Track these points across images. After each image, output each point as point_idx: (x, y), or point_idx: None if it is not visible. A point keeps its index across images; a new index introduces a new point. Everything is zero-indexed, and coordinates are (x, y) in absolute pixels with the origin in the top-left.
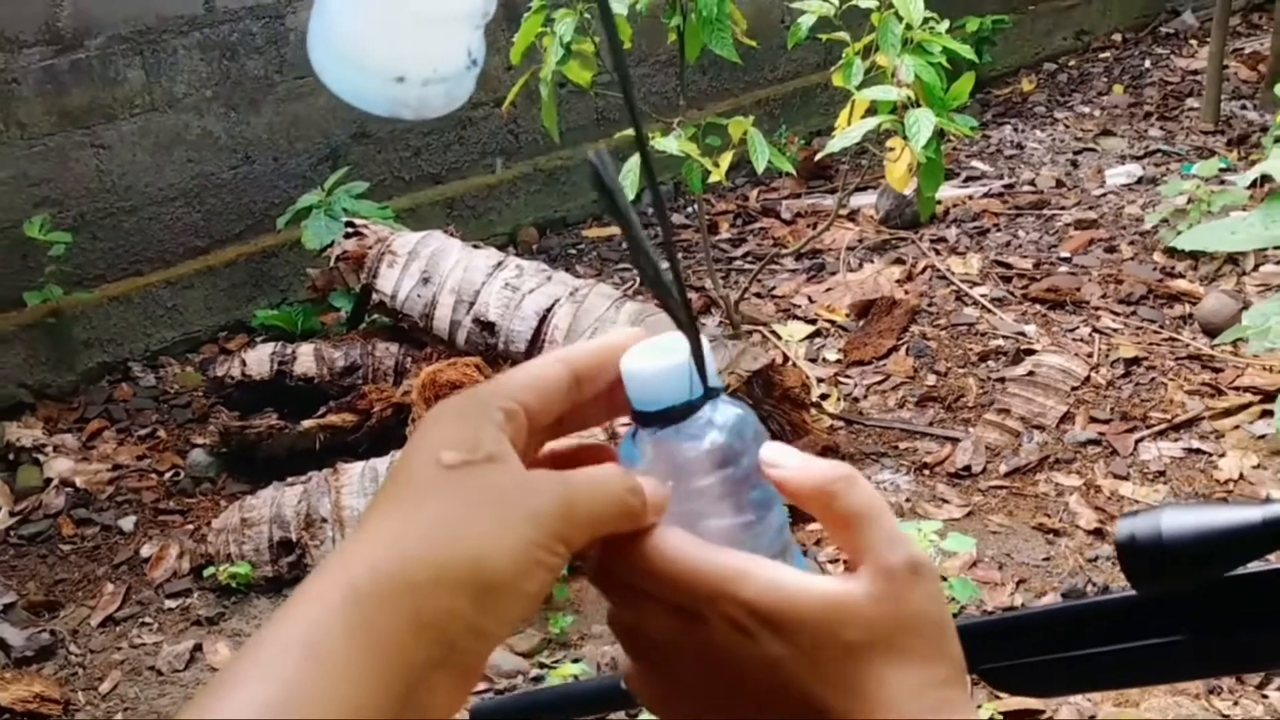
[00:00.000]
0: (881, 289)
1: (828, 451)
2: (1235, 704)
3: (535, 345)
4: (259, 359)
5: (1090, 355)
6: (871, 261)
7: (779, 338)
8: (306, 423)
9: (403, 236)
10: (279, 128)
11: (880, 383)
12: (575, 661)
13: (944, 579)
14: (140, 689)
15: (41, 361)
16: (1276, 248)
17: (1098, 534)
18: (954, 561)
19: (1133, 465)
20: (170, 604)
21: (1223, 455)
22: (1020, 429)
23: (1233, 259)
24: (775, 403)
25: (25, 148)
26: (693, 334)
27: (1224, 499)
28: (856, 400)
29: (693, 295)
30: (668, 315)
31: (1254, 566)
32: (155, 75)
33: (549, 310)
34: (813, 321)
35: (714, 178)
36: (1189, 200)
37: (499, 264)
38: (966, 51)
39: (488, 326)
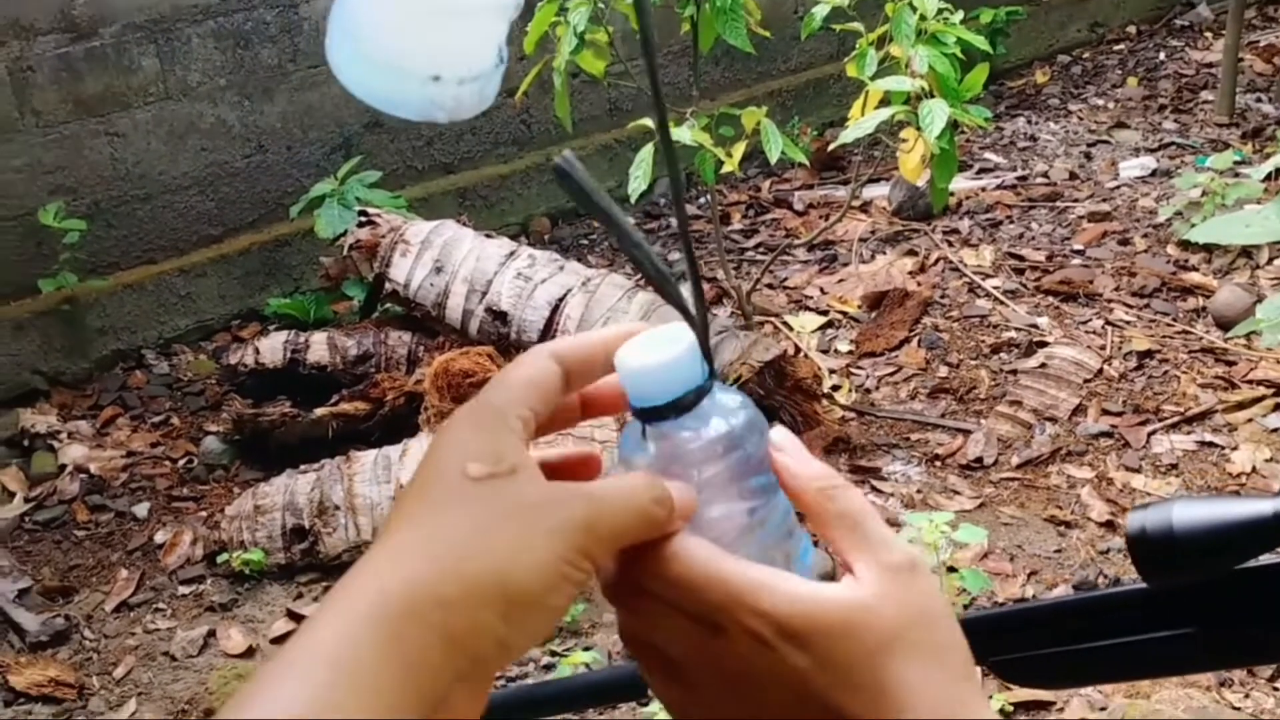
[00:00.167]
0: (894, 280)
1: (839, 443)
2: (1246, 696)
3: (548, 335)
4: (272, 347)
5: (1103, 348)
6: (884, 253)
7: (791, 329)
8: (319, 411)
9: (415, 226)
10: (292, 116)
11: (892, 374)
12: (586, 650)
13: (955, 570)
14: (154, 674)
15: (56, 349)
16: None
17: (1109, 526)
18: (966, 553)
19: (1145, 458)
20: (184, 590)
21: (1235, 448)
22: (1032, 421)
23: (1247, 252)
24: (787, 394)
25: (40, 136)
26: (701, 317)
27: (1236, 492)
28: (868, 391)
29: (704, 285)
30: (663, 299)
31: (1265, 559)
32: (169, 64)
33: (561, 300)
34: (825, 313)
35: (727, 168)
36: (1203, 193)
37: (511, 253)
38: (980, 43)
39: (500, 316)
